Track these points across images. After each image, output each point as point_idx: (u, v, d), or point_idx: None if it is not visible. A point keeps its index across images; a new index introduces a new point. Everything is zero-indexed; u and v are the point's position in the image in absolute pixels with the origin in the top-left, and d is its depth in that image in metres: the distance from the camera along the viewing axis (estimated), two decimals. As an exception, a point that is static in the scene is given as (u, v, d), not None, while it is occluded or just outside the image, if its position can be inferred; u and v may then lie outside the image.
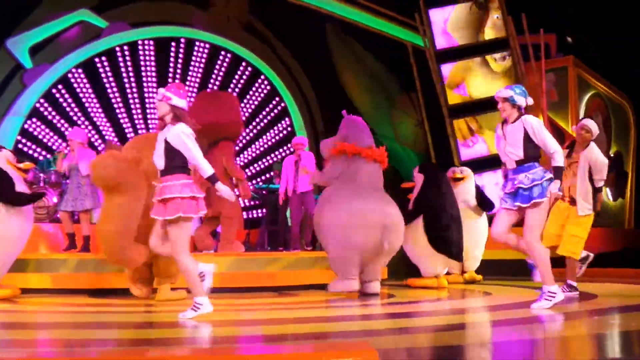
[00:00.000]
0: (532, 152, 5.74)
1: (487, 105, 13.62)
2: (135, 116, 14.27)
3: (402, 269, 10.13)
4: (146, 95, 14.44)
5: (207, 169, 5.40)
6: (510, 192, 5.81)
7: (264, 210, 12.58)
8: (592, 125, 7.12)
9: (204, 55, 15.00)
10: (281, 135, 15.13)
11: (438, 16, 14.06)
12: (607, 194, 15.71)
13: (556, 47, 14.56)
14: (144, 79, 14.49)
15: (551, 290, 5.81)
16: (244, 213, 14.33)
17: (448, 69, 13.83)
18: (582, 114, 14.59)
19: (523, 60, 13.63)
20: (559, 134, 14.05)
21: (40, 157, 12.48)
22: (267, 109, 15.29)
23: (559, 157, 5.67)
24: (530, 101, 5.90)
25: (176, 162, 5.42)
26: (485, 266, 10.38)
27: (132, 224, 6.79)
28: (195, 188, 5.42)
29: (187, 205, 5.36)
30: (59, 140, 13.35)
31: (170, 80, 14.64)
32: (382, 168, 8.18)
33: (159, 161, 5.48)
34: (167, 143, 5.43)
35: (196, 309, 5.46)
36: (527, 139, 5.71)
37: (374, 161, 8.04)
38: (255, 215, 14.40)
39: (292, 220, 10.71)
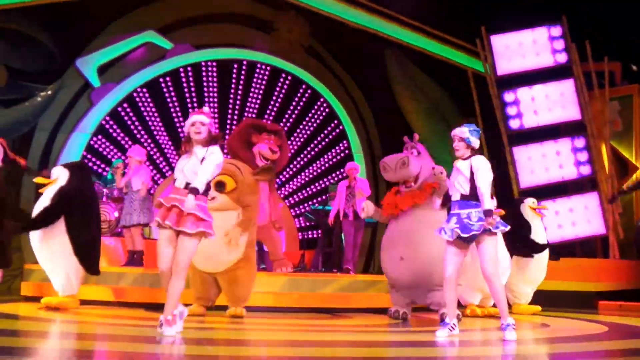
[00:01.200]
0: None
1: (549, 132, 13.49)
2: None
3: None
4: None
5: (200, 183, 5.51)
6: (454, 227, 5.93)
7: (319, 232, 12.63)
8: None
9: (265, 78, 15.22)
10: (338, 157, 15.19)
11: (499, 42, 13.97)
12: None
13: (621, 75, 14.30)
14: (206, 99, 14.77)
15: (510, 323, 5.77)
16: (300, 234, 14.45)
17: (509, 97, 13.69)
18: (647, 143, 14.26)
19: (587, 88, 13.42)
20: (623, 165, 13.76)
21: (105, 173, 12.82)
22: (326, 132, 15.39)
23: (486, 200, 5.83)
24: (477, 144, 6.08)
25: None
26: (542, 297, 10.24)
27: None
28: (207, 213, 5.58)
29: (205, 224, 5.51)
30: (122, 157, 13.68)
31: (231, 101, 14.89)
32: None
33: (191, 175, 5.57)
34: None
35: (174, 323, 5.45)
36: (473, 177, 5.95)
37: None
38: (310, 236, 14.47)
39: (345, 243, 10.80)
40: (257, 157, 9.75)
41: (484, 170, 5.93)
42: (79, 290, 7.94)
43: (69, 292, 7.80)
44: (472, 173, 5.94)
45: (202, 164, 5.53)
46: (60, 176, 7.86)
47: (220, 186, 7.26)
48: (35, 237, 7.75)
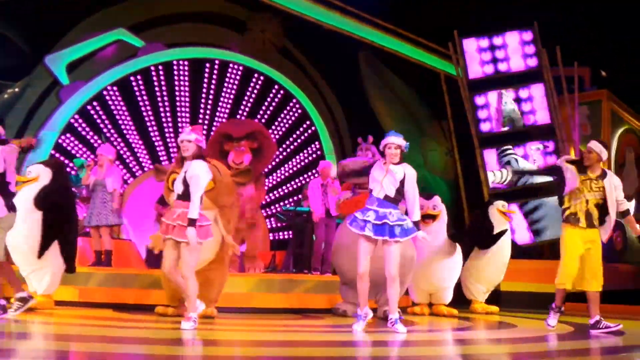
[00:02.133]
0: (400, 196, 6.55)
1: (521, 136, 13.62)
2: (167, 135, 14.43)
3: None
4: (179, 114, 14.62)
5: (194, 212, 6.16)
6: (375, 224, 6.42)
7: (291, 233, 12.61)
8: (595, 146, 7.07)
9: (237, 77, 15.15)
10: (310, 158, 15.18)
11: (471, 45, 14.06)
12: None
13: (590, 80, 14.48)
14: (177, 98, 14.67)
15: None
16: (270, 234, 14.41)
17: (480, 100, 13.79)
18: (614, 148, 14.47)
19: (557, 92, 13.56)
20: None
21: (73, 172, 12.65)
22: (298, 132, 15.37)
23: (417, 211, 6.56)
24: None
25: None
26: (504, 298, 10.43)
27: None
28: (203, 217, 6.29)
29: (202, 231, 6.21)
30: (92, 156, 13.53)
31: (203, 100, 14.80)
32: None
33: (179, 186, 6.29)
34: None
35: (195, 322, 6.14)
36: (402, 183, 6.51)
37: None
38: (282, 237, 14.43)
39: (315, 243, 10.81)
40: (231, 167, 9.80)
41: (414, 179, 6.58)
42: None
43: (48, 292, 7.69)
44: (402, 179, 6.51)
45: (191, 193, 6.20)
46: (41, 174, 7.69)
47: None
48: (12, 236, 7.59)
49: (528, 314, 9.64)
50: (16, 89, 13.15)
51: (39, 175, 7.69)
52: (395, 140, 6.59)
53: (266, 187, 14.71)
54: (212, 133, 14.45)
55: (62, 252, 7.66)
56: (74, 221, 7.99)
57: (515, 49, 13.90)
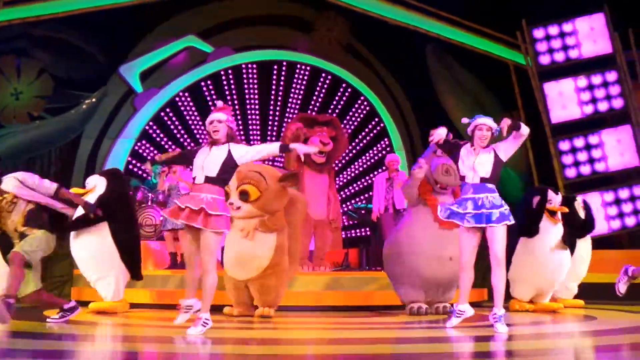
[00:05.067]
0: (496, 178, 6.32)
1: (595, 124, 13.30)
2: (239, 137, 14.66)
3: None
4: (249, 117, 14.87)
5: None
6: (475, 213, 6.16)
7: (364, 230, 12.67)
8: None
9: (305, 78, 15.28)
10: (380, 155, 15.16)
11: (540, 34, 13.80)
12: None
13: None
14: (247, 101, 14.92)
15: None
16: (343, 232, 14.48)
17: (551, 88, 13.51)
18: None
19: (630, 77, 13.17)
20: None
21: (149, 177, 13.04)
22: (367, 130, 15.39)
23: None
24: None
25: (227, 176, 5.97)
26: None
27: None
28: (224, 207, 5.91)
29: (226, 221, 5.88)
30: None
31: (272, 102, 15.00)
32: None
33: (213, 168, 5.85)
34: (229, 156, 5.90)
35: (205, 325, 5.70)
36: (496, 164, 6.30)
37: None
38: (353, 235, 14.48)
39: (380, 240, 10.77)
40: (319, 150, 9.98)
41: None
42: (124, 294, 8.11)
43: (117, 298, 7.97)
44: (496, 161, 6.26)
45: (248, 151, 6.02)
46: (97, 184, 7.95)
47: (244, 195, 7.26)
48: (77, 246, 7.91)
49: (616, 306, 9.36)
50: (93, 99, 13.62)
51: (95, 186, 7.94)
52: (486, 122, 6.37)
53: (337, 185, 14.83)
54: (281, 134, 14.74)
55: (123, 259, 7.87)
56: (134, 228, 8.16)
57: (586, 34, 13.55)
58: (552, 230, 9.02)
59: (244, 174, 6.82)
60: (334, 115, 14.96)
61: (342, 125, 14.81)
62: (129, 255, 7.89)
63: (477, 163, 6.22)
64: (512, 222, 6.20)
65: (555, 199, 9.12)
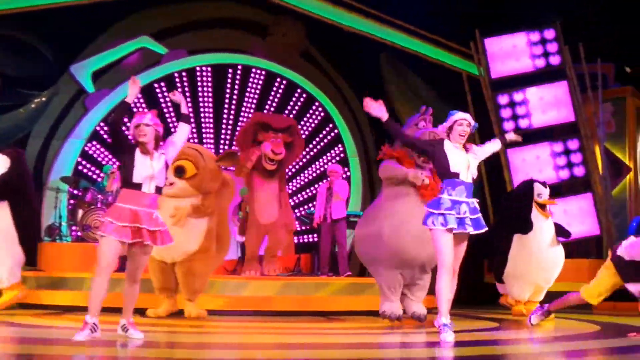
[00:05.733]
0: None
1: (543, 135, 13.54)
2: (191, 140, 14.52)
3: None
4: (202, 120, 14.75)
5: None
6: (458, 216, 5.67)
7: (314, 236, 12.65)
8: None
9: (260, 82, 15.24)
10: (334, 161, 15.21)
11: (493, 44, 14.01)
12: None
13: (614, 77, 14.34)
14: (201, 104, 14.80)
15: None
16: (295, 238, 14.46)
17: (503, 98, 13.73)
18: (639, 145, 14.32)
19: (580, 90, 13.46)
20: (616, 166, 13.80)
21: (99, 179, 12.83)
22: (321, 135, 15.42)
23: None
24: None
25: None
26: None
27: None
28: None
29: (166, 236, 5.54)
30: (117, 164, 13.70)
31: (226, 106, 14.91)
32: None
33: (161, 178, 5.53)
34: (165, 164, 5.59)
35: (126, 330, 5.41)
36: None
37: None
38: (306, 240, 14.47)
39: (320, 246, 10.82)
40: (263, 158, 9.92)
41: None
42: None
43: (14, 281, 7.78)
44: (476, 160, 5.88)
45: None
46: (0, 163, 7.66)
47: (179, 171, 6.96)
48: None
49: (560, 314, 9.47)
50: (43, 99, 13.35)
51: None
52: (468, 117, 5.96)
53: (292, 190, 14.81)
54: (236, 135, 14.65)
55: (21, 241, 7.64)
56: (35, 211, 7.92)
57: (538, 47, 13.81)
58: (544, 225, 8.73)
59: (181, 150, 6.38)
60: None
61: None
62: (28, 240, 7.67)
63: (471, 161, 5.81)
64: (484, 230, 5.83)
65: (544, 192, 8.80)
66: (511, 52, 13.93)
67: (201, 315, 7.34)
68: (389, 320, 7.62)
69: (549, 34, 13.76)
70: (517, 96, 13.69)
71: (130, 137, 5.65)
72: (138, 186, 5.39)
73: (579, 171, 13.24)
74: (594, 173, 13.19)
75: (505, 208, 9.24)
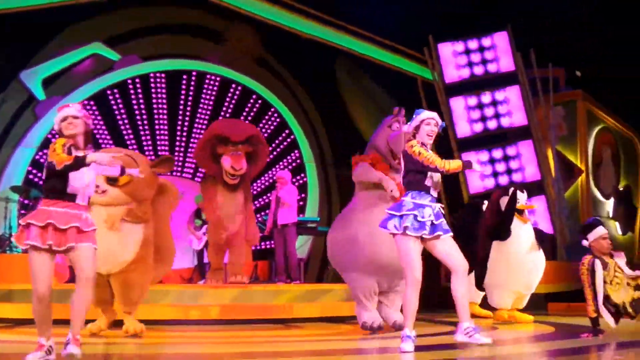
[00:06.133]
0: None
1: (498, 138, 13.74)
2: (145, 147, 14.38)
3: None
4: (157, 127, 14.58)
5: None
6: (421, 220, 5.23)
7: (271, 242, 12.59)
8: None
9: (215, 88, 15.14)
10: (290, 167, 15.18)
11: (447, 50, 14.17)
12: (616, 228, 15.64)
13: (565, 81, 14.63)
14: (155, 111, 14.63)
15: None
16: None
17: (457, 103, 13.89)
18: (591, 147, 14.62)
19: (532, 94, 13.68)
20: (568, 168, 14.07)
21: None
22: (277, 141, 15.37)
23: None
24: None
25: None
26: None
27: None
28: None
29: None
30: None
31: (181, 112, 14.77)
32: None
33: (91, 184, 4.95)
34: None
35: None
36: None
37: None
38: (263, 247, 14.39)
39: (275, 254, 10.76)
40: (224, 173, 9.42)
41: None
42: None
43: None
44: None
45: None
46: None
47: (112, 178, 6.58)
48: None
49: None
50: (-7, 105, 13.09)
51: None
52: (435, 116, 5.53)
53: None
54: (192, 142, 14.52)
55: None
56: None
57: (490, 52, 14.03)
58: (523, 230, 8.62)
59: (114, 157, 6.11)
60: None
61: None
62: None
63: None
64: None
65: (522, 197, 8.65)
66: (465, 57, 14.11)
67: (139, 330, 6.91)
68: (370, 331, 7.22)
69: (501, 39, 13.98)
70: (471, 100, 13.88)
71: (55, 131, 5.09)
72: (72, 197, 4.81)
73: (531, 174, 13.44)
74: (547, 176, 13.41)
75: (487, 217, 8.96)
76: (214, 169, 9.53)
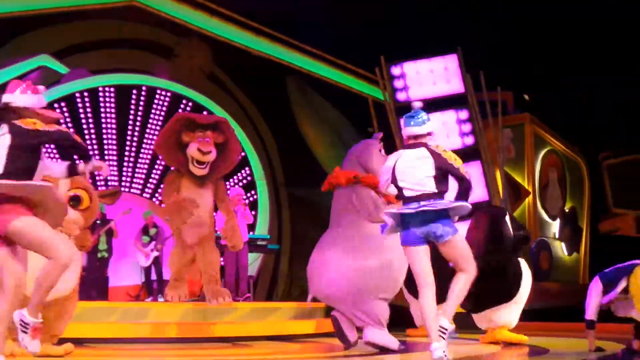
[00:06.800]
0: None
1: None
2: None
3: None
4: (105, 141, 14.35)
5: None
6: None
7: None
8: None
9: (165, 104, 14.98)
10: (241, 184, 15.07)
11: (398, 71, 14.29)
12: (562, 249, 15.93)
13: (513, 104, 14.88)
14: (104, 125, 14.40)
15: None
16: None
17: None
18: (537, 169, 14.88)
19: (481, 116, 13.87)
20: (516, 189, 14.29)
21: None
22: (228, 159, 15.25)
23: None
24: None
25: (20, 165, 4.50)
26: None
27: None
28: None
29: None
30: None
31: (130, 127, 14.57)
32: (354, 191, 7.17)
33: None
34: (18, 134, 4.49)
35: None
36: None
37: (339, 187, 7.28)
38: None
39: (226, 271, 10.53)
40: (190, 161, 8.50)
41: None
42: None
43: None
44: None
45: None
46: None
47: (76, 201, 6.26)
48: None
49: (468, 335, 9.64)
50: None
51: None
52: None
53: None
54: (140, 156, 14.30)
55: None
56: None
57: (441, 74, 14.17)
58: None
59: (77, 179, 5.75)
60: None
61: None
62: None
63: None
64: None
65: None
66: (415, 78, 14.23)
67: (68, 349, 6.57)
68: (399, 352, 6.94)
69: (451, 61, 14.14)
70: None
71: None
72: None
73: (480, 196, 13.59)
74: (495, 197, 13.57)
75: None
76: (179, 159, 8.59)
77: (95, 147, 14.17)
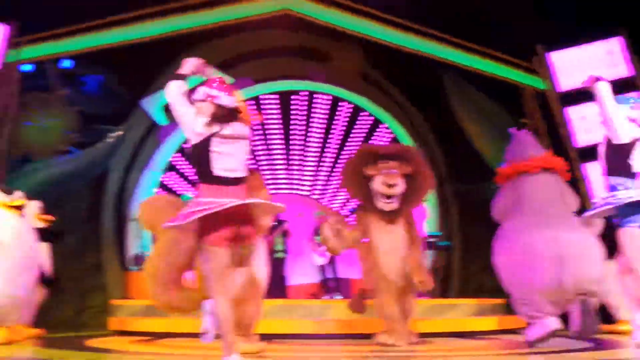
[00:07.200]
0: None
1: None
2: (261, 167, 14.74)
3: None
4: (272, 146, 14.95)
5: None
6: None
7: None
8: None
9: (325, 107, 15.38)
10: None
11: (558, 58, 13.92)
12: None
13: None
14: (268, 131, 15.00)
15: None
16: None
17: (573, 112, 13.62)
18: None
19: (651, 98, 13.27)
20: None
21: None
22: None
23: None
24: None
25: None
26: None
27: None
28: None
29: None
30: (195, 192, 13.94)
31: (294, 131, 15.10)
32: (560, 177, 7.41)
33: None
34: None
35: None
36: None
37: (543, 171, 7.28)
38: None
39: None
40: (376, 196, 7.86)
41: None
42: None
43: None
44: None
45: None
46: None
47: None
48: None
49: None
50: (121, 132, 13.70)
51: None
52: None
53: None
54: (306, 158, 14.75)
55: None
56: None
57: (604, 58, 13.68)
58: None
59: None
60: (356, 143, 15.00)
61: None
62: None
63: None
64: None
65: None
66: (577, 65, 13.80)
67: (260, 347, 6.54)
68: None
69: (616, 44, 13.62)
70: (587, 109, 13.55)
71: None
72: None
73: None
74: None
75: None
76: (365, 193, 7.95)
77: (261, 153, 14.77)
